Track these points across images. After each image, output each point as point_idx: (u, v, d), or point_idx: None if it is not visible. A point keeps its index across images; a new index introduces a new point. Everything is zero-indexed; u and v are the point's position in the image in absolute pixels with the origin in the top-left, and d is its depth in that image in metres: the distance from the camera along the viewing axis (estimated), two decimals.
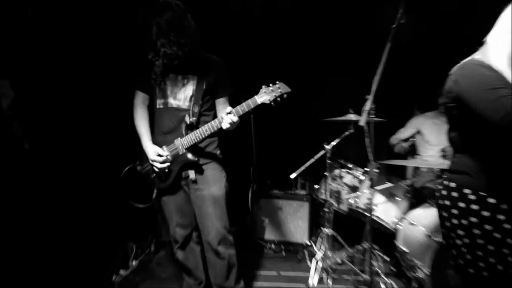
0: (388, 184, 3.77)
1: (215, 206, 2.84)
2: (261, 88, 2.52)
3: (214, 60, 2.85)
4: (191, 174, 2.84)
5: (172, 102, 2.82)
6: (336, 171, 4.04)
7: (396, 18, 2.57)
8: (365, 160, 4.31)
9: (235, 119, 2.56)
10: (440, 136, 4.26)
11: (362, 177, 3.95)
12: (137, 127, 2.91)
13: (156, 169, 2.82)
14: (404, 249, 3.41)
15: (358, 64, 4.32)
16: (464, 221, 1.87)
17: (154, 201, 2.95)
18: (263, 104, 2.52)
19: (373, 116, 2.71)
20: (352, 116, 3.83)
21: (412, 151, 4.45)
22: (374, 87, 2.57)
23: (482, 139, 1.86)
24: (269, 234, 4.60)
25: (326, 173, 3.94)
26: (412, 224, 3.45)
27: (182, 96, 2.81)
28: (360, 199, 3.80)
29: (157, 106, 2.87)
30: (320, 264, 3.77)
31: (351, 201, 3.86)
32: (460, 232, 1.91)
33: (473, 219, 1.84)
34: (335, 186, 3.98)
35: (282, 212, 4.54)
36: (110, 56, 3.92)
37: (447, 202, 1.96)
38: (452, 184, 2.00)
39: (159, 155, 2.78)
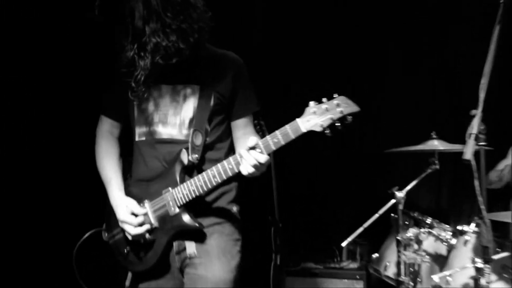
0: (503, 253, 2.90)
1: None
2: (307, 106, 1.97)
3: (229, 58, 2.33)
4: (190, 247, 2.22)
5: (161, 130, 2.27)
6: (410, 232, 3.22)
7: None
8: (453, 213, 3.90)
9: (263, 158, 1.98)
10: None
11: (453, 241, 3.18)
12: (100, 170, 2.39)
13: (129, 237, 2.23)
14: None
15: (441, 63, 3.90)
16: None
17: None
18: (311, 132, 1.97)
19: (484, 143, 2.14)
20: (436, 144, 3.21)
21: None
22: (482, 95, 2.08)
23: None
24: None
25: (398, 237, 3.07)
26: None
27: (177, 119, 2.25)
28: (455, 278, 2.92)
29: (137, 138, 2.32)
30: None
31: (437, 279, 2.94)
32: None
33: None
34: (410, 256, 3.15)
35: None
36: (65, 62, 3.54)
37: None
38: None
39: (133, 214, 2.20)
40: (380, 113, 4.18)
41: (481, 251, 2.48)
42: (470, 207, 3.92)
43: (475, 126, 2.08)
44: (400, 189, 3.18)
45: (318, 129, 1.95)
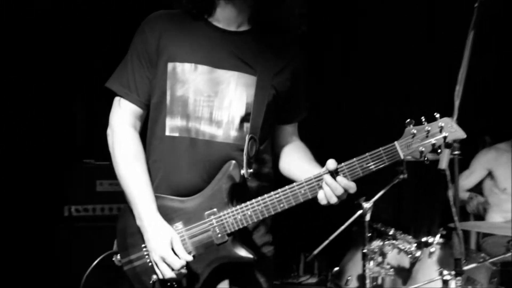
0: (472, 264, 2.94)
1: None
2: (406, 125, 1.76)
3: (291, 43, 1.99)
4: (223, 284, 1.90)
5: (204, 128, 1.85)
6: (374, 244, 3.20)
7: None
8: (413, 224, 3.78)
9: (353, 187, 1.72)
10: None
11: (418, 253, 3.18)
12: (126, 179, 1.87)
13: (162, 275, 1.79)
14: None
15: (406, 68, 3.87)
16: None
17: None
18: (409, 160, 1.85)
19: (458, 152, 2.05)
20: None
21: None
22: (457, 102, 1.96)
23: None
24: None
25: (364, 250, 2.99)
26: None
27: (225, 115, 1.86)
28: None
29: (167, 132, 1.87)
30: None
31: None
32: None
33: None
34: (374, 269, 3.13)
35: None
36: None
37: None
38: None
39: (174, 252, 1.79)
40: (346, 119, 4.12)
41: (453, 263, 2.31)
42: (430, 218, 3.99)
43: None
44: (367, 200, 3.04)
45: (417, 155, 1.77)
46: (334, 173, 1.71)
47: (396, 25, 4.20)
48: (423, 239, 3.18)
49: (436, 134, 1.73)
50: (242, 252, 1.81)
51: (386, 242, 3.29)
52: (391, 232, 3.31)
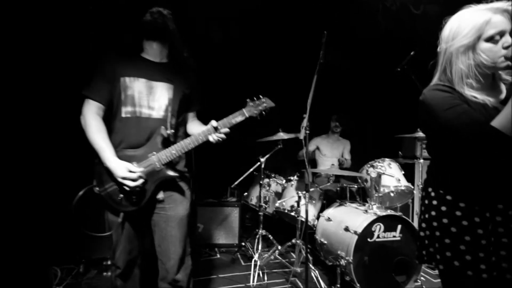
0: (314, 188, 3.53)
1: (179, 228, 2.14)
2: (247, 101, 2.10)
3: (190, 67, 2.25)
4: (160, 194, 2.11)
5: (144, 111, 2.06)
6: (265, 180, 3.71)
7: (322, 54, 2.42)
8: (282, 170, 4.24)
9: (224, 132, 2.05)
10: (333, 151, 4.41)
11: (286, 184, 3.69)
12: (94, 141, 2.00)
13: (127, 188, 1.97)
14: (324, 241, 3.20)
15: (283, 92, 4.03)
16: (427, 215, 1.62)
17: (120, 225, 2.10)
18: (250, 117, 2.10)
19: (308, 131, 2.51)
20: (281, 134, 3.58)
21: (312, 163, 4.48)
22: (308, 107, 2.40)
23: (444, 148, 1.63)
24: (206, 239, 4.00)
25: (261, 182, 3.57)
26: (328, 220, 3.25)
27: (156, 104, 2.08)
28: (287, 202, 3.51)
29: (123, 115, 2.04)
30: (258, 263, 3.31)
31: (277, 204, 3.54)
32: (423, 225, 1.65)
33: (433, 213, 1.59)
34: (265, 193, 3.65)
35: (217, 218, 3.99)
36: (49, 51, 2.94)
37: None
38: (422, 185, 1.81)
39: (131, 172, 1.96)
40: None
41: (304, 188, 2.78)
42: (290, 167, 4.43)
43: (305, 122, 2.45)
44: (263, 157, 3.63)
45: (254, 115, 2.07)
46: (215, 127, 2.01)
47: None
48: (288, 177, 3.70)
49: (261, 105, 2.09)
50: (170, 172, 2.04)
51: (271, 179, 3.79)
52: (273, 175, 3.84)
